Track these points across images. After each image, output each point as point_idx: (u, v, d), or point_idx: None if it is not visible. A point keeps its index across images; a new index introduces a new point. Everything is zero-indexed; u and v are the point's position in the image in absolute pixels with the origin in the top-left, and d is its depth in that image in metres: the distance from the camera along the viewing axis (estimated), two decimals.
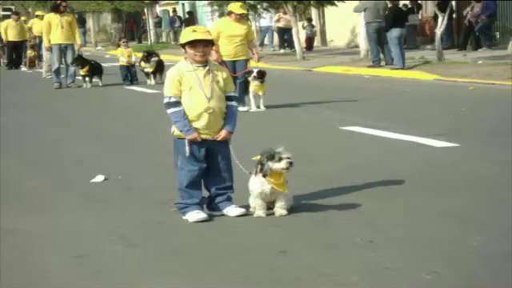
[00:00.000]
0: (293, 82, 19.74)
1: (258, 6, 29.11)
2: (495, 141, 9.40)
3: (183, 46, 6.33)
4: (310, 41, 33.24)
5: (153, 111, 12.98)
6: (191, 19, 42.43)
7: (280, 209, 6.26)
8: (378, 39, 21.50)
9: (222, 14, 29.14)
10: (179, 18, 46.37)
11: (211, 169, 6.39)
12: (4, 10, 54.15)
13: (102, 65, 21.47)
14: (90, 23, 51.13)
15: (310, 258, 5.14)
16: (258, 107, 13.71)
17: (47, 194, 7.64)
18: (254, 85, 13.59)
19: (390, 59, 21.13)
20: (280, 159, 6.15)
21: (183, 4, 50.28)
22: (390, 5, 21.34)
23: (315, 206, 6.49)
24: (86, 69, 20.01)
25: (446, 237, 5.50)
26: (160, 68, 19.98)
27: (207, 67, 6.33)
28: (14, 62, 28.96)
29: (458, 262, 4.94)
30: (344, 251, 5.28)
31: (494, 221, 5.89)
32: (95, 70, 20.40)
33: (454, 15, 26.42)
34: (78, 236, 6.01)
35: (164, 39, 48.37)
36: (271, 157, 6.16)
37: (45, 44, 20.35)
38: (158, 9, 52.52)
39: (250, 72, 13.63)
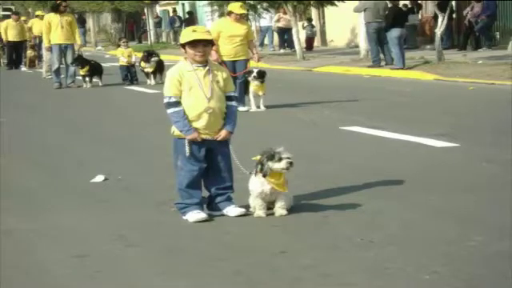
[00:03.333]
0: (293, 82, 19.75)
1: (258, 6, 29.09)
2: (495, 141, 9.40)
3: (183, 45, 6.33)
4: (310, 41, 33.24)
5: (153, 111, 12.98)
6: (191, 19, 42.44)
7: (280, 209, 6.26)
8: (378, 39, 21.50)
9: (221, 14, 29.14)
10: (179, 18, 46.36)
11: (211, 169, 6.39)
12: (4, 9, 54.13)
13: (102, 65, 21.48)
14: (89, 23, 51.12)
15: (310, 258, 5.14)
16: (258, 107, 13.71)
17: (47, 194, 7.64)
18: (254, 85, 13.59)
19: (390, 59, 21.13)
20: (280, 159, 6.14)
21: (183, 4, 50.28)
22: (390, 5, 21.34)
23: (315, 206, 6.50)
24: (85, 69, 20.01)
25: (446, 237, 5.50)
26: (160, 68, 19.98)
27: (207, 67, 6.33)
28: (14, 62, 28.95)
29: (458, 262, 4.94)
30: (344, 251, 5.28)
31: (494, 221, 5.89)
32: (95, 70, 20.40)
33: (454, 15, 26.41)
34: (78, 236, 6.01)
35: (164, 39, 48.39)
36: (271, 157, 6.15)
37: (45, 44, 20.35)
38: (158, 9, 52.53)
39: (250, 72, 13.62)
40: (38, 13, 31.18)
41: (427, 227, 5.79)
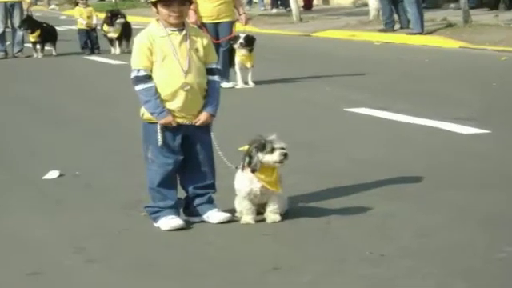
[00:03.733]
0: (288, 51, 19.77)
1: None
2: None
3: (154, 4, 6.27)
4: None
5: (119, 86, 12.98)
6: None
7: (272, 213, 6.26)
8: None
9: None
10: None
11: (189, 162, 6.38)
12: None
13: (57, 29, 21.44)
14: None
15: (308, 275, 5.16)
16: (246, 83, 13.70)
17: None
18: (240, 54, 13.56)
19: (406, 21, 21.15)
20: (272, 150, 6.13)
21: None
22: None
23: (315, 210, 6.51)
24: (36, 34, 19.99)
25: (470, 247, 5.52)
26: (126, 33, 20.00)
27: (184, 32, 6.29)
28: None
29: (484, 278, 4.97)
30: (349, 266, 5.30)
31: None
32: (48, 35, 20.39)
33: None
34: (31, 248, 5.99)
35: None
36: (262, 147, 6.14)
37: None
38: None
39: (236, 38, 13.58)
40: None
41: (448, 235, 5.81)
